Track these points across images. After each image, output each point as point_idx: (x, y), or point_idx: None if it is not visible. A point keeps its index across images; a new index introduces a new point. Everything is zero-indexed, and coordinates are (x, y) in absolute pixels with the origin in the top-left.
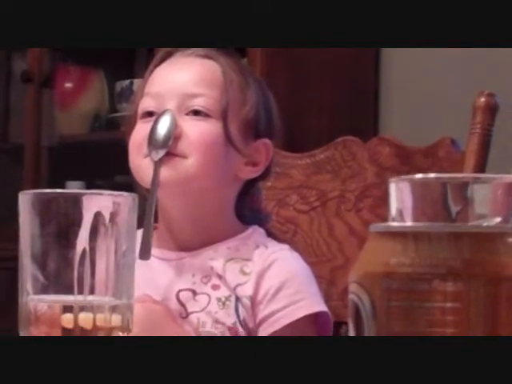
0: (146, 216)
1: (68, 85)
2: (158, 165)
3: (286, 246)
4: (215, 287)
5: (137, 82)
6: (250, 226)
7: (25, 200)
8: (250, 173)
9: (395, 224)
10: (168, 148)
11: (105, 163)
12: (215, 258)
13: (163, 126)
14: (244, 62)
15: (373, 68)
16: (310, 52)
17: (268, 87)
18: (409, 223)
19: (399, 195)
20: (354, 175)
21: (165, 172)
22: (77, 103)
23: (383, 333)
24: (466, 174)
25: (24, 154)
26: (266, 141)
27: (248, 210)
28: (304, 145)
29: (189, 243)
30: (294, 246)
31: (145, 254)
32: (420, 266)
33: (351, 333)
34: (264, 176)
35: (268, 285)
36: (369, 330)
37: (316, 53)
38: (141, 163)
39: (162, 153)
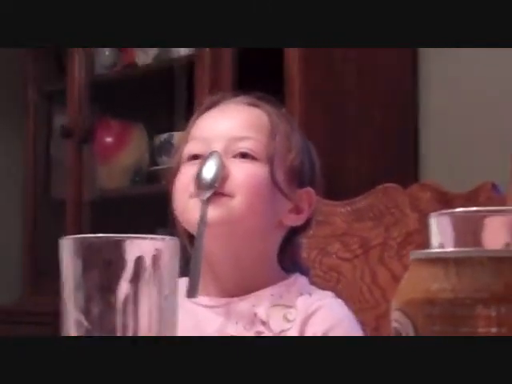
0: (194, 254)
1: (108, 139)
2: (205, 204)
3: (329, 293)
4: (259, 334)
5: (176, 134)
6: (292, 273)
7: (66, 245)
8: (294, 220)
9: (436, 250)
10: (215, 188)
11: (146, 216)
12: (258, 304)
13: (211, 167)
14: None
15: (412, 110)
16: (347, 94)
17: (306, 132)
18: (449, 249)
19: (440, 229)
20: (396, 222)
21: (212, 211)
22: (117, 157)
23: None
24: (505, 207)
25: (66, 208)
26: (309, 189)
27: (289, 260)
28: (343, 189)
29: (232, 289)
30: (338, 294)
31: (192, 292)
32: (462, 291)
33: None
34: (306, 227)
35: (312, 332)
36: None
37: (354, 95)
38: (187, 204)
39: (209, 193)
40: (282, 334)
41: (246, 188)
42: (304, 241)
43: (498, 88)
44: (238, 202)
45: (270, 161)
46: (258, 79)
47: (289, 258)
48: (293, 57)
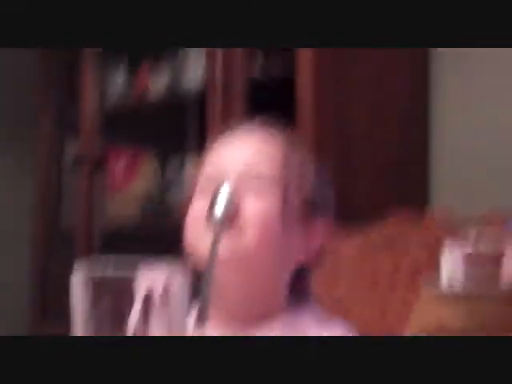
0: (203, 283)
1: (119, 168)
2: (217, 237)
3: (340, 321)
4: None
5: (187, 163)
6: (302, 303)
7: (76, 281)
8: (307, 252)
9: (443, 287)
10: (227, 223)
11: (156, 245)
12: (270, 334)
13: (222, 201)
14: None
15: (423, 131)
16: (359, 120)
17: (317, 156)
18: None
19: (451, 262)
20: (407, 252)
21: (224, 246)
22: (128, 186)
23: None
24: None
25: (76, 237)
26: (323, 221)
27: (299, 290)
28: (354, 210)
29: (242, 319)
30: (348, 323)
31: (201, 322)
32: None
33: None
34: (317, 260)
35: None
36: None
37: (365, 121)
38: (199, 236)
39: (220, 227)
40: None
41: (258, 224)
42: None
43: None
44: (249, 238)
45: (284, 193)
46: (269, 108)
47: (299, 288)
48: (304, 82)
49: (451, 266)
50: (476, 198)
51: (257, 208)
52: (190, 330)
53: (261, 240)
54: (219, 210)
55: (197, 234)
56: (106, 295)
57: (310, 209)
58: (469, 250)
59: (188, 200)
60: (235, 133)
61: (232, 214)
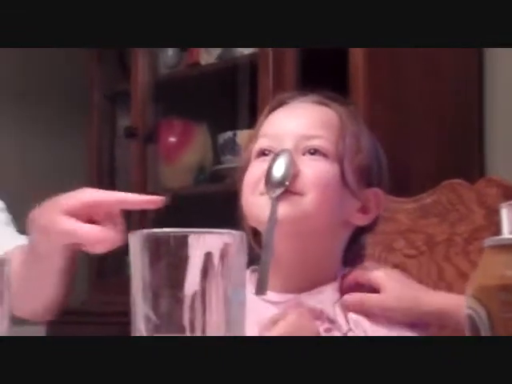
0: (263, 252)
1: (172, 139)
2: (275, 202)
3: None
4: (328, 330)
5: (239, 133)
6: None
7: (134, 240)
8: (361, 220)
9: (509, 236)
10: (286, 186)
11: (210, 215)
12: (325, 301)
13: (281, 165)
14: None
15: (477, 107)
16: (412, 90)
17: (370, 129)
18: None
19: (511, 218)
20: (462, 218)
21: (282, 209)
22: (181, 157)
23: None
24: None
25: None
26: (377, 190)
27: (353, 259)
28: (408, 187)
29: (296, 285)
30: None
31: (261, 289)
32: None
33: None
34: (372, 227)
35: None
36: None
37: (418, 91)
38: (256, 201)
39: (279, 190)
40: (350, 333)
41: (316, 186)
42: (369, 238)
43: None
44: (308, 200)
45: (340, 160)
46: (321, 77)
47: (353, 257)
48: (357, 54)
49: (510, 227)
50: None
51: (315, 172)
52: (247, 292)
53: (319, 204)
54: (278, 174)
55: (255, 198)
56: (164, 255)
57: (365, 177)
58: None
59: (246, 166)
60: (292, 100)
61: (290, 179)
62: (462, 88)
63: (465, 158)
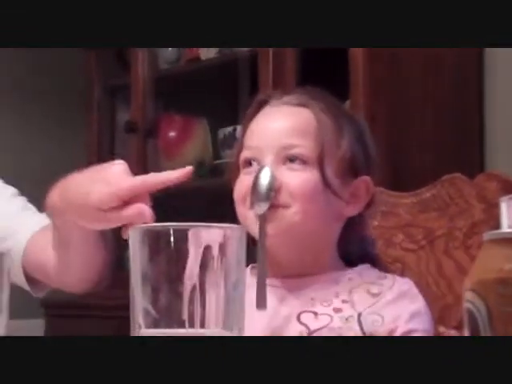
0: (259, 267)
1: (172, 134)
2: (262, 219)
3: (407, 280)
4: (337, 310)
5: (239, 128)
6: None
7: (134, 235)
8: (352, 210)
9: (508, 230)
10: (270, 201)
11: (209, 210)
12: (339, 281)
13: (264, 181)
14: (346, 104)
15: (477, 103)
16: (411, 89)
17: (370, 126)
18: None
19: (510, 212)
20: (462, 212)
21: (270, 225)
22: (181, 152)
23: None
24: None
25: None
26: (365, 178)
27: (354, 241)
28: (408, 182)
29: (294, 276)
30: None
31: (261, 303)
32: None
33: None
34: (368, 207)
35: (403, 307)
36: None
37: (418, 90)
38: (247, 214)
39: (265, 206)
40: (368, 310)
41: (300, 196)
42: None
43: None
44: (294, 212)
45: (320, 162)
46: (321, 71)
47: (353, 239)
48: (357, 53)
49: (510, 213)
50: None
51: (297, 183)
52: (247, 285)
53: (305, 213)
54: (262, 190)
55: (245, 212)
56: (163, 249)
57: (350, 168)
58: None
59: (235, 170)
60: (271, 102)
61: (274, 191)
62: (462, 87)
63: (465, 153)
